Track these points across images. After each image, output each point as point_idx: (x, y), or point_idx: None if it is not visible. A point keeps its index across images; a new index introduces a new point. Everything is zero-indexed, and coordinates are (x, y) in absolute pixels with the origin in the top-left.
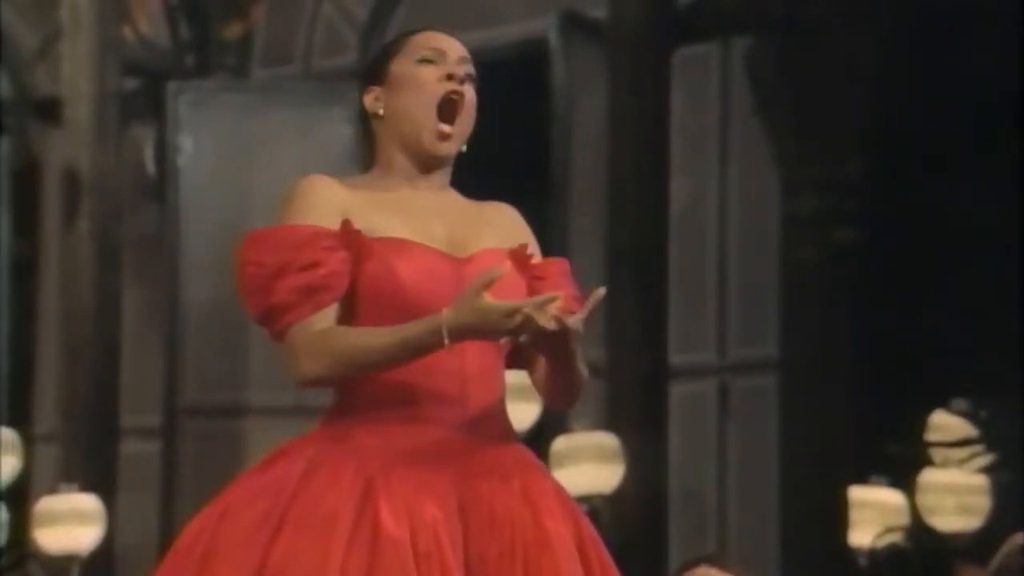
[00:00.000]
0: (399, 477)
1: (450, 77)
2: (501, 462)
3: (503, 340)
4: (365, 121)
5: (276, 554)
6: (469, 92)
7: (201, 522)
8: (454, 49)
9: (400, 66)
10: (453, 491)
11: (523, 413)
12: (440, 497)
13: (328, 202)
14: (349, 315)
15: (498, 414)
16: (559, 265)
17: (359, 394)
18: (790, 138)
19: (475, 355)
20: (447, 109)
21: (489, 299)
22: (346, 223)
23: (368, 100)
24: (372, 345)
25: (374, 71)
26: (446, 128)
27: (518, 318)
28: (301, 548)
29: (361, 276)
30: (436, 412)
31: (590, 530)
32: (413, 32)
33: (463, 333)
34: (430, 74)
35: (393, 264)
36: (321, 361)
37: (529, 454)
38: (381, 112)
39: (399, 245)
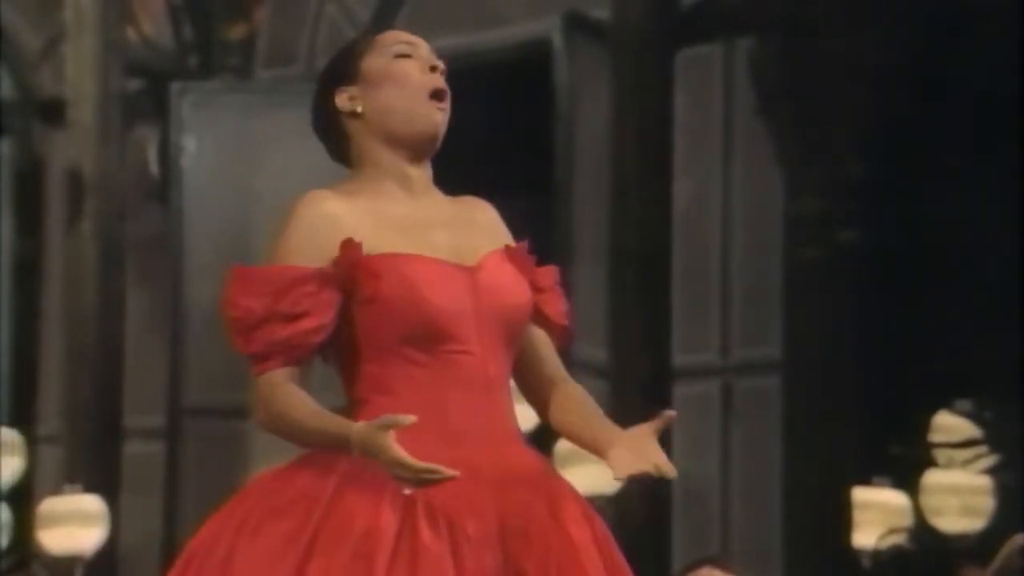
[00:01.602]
0: (437, 491)
1: (432, 68)
2: (527, 470)
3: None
4: (332, 122)
5: (311, 574)
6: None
7: (218, 525)
8: (423, 44)
9: (375, 63)
10: (491, 505)
11: (525, 414)
12: (479, 512)
13: (322, 228)
14: (369, 337)
15: (514, 420)
16: (554, 275)
17: (384, 407)
18: (793, 139)
19: (494, 363)
20: (436, 96)
21: (394, 447)
22: (348, 243)
23: (341, 100)
24: (297, 420)
25: (342, 71)
26: (441, 104)
27: (416, 477)
28: (339, 568)
29: (378, 296)
30: (467, 423)
31: (603, 529)
32: (375, 32)
33: (363, 451)
34: (411, 67)
35: (410, 283)
36: (264, 415)
37: (544, 460)
38: (359, 110)
39: (411, 261)
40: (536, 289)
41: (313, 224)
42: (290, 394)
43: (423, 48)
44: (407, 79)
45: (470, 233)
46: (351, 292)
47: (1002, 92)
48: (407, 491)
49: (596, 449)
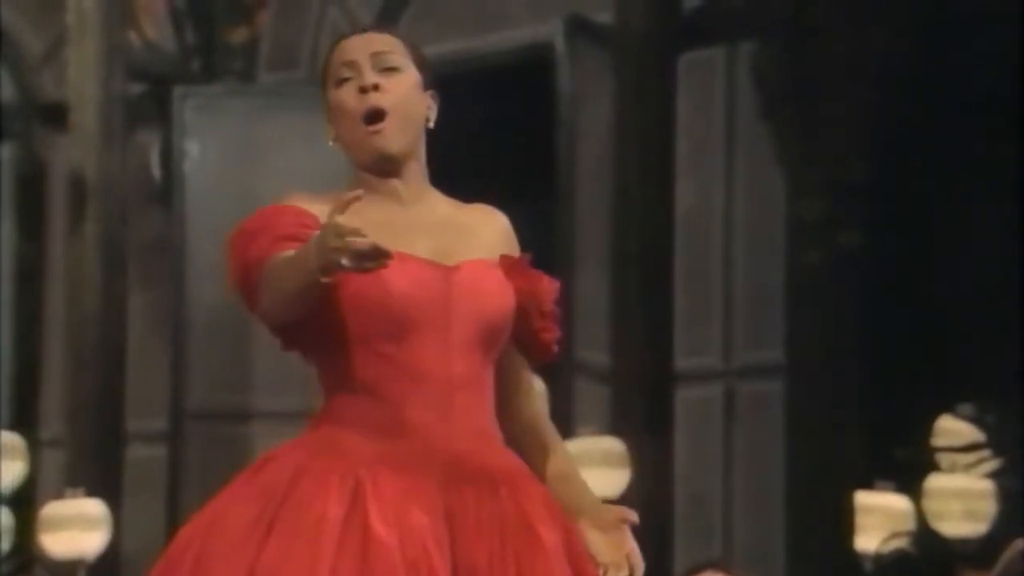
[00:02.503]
0: (386, 482)
1: (362, 90)
2: (488, 469)
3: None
4: None
5: (265, 560)
6: (394, 86)
7: (191, 530)
8: (365, 48)
9: (330, 94)
10: (439, 498)
11: None
12: (427, 504)
13: (301, 212)
14: (337, 327)
15: (486, 422)
16: (554, 298)
17: (346, 400)
18: (796, 142)
19: (463, 362)
20: (370, 119)
21: (335, 215)
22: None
23: (327, 128)
24: (277, 268)
25: (323, 103)
26: (373, 127)
27: (344, 243)
28: (290, 553)
29: (347, 287)
30: (422, 418)
31: (579, 542)
32: (334, 48)
33: (318, 251)
34: (349, 93)
35: (382, 274)
36: (264, 292)
37: (518, 462)
38: (331, 144)
39: None
40: (538, 313)
41: (289, 208)
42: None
43: (362, 56)
44: (343, 109)
45: (461, 240)
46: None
47: (1005, 94)
48: (345, 261)
49: (566, 510)
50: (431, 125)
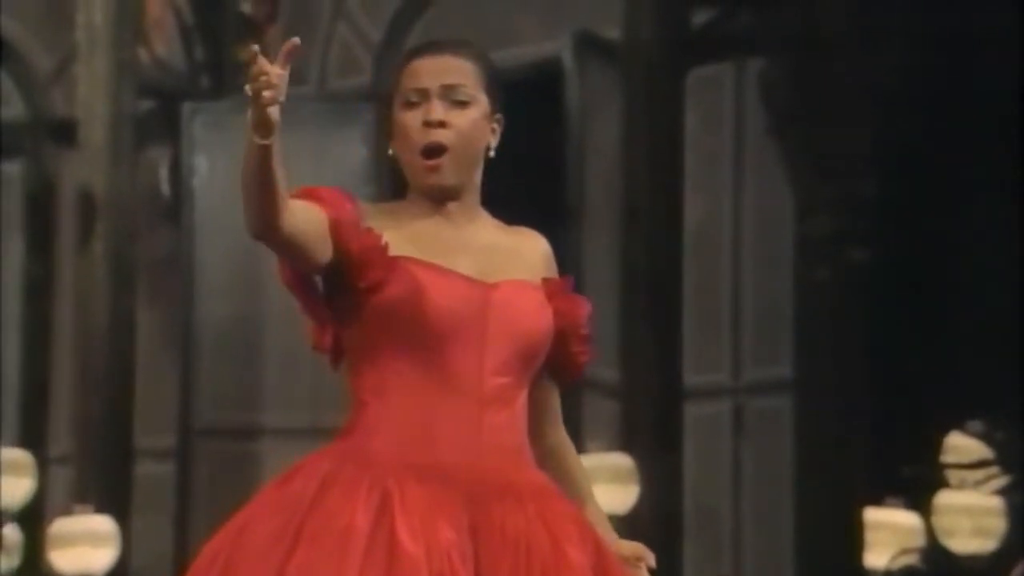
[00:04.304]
0: (413, 494)
1: (426, 124)
2: (515, 486)
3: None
4: None
5: (292, 569)
6: (460, 121)
7: (219, 542)
8: (437, 78)
9: (396, 110)
10: (464, 513)
11: None
12: (452, 518)
13: (353, 205)
14: (373, 336)
15: (516, 440)
16: (585, 308)
17: (376, 411)
18: (804, 158)
19: (496, 380)
20: (428, 154)
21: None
22: (370, 231)
23: (389, 134)
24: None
25: (387, 112)
26: (430, 163)
27: (260, 80)
28: (316, 563)
29: (386, 296)
30: (452, 432)
31: (611, 556)
32: (410, 57)
33: (251, 108)
34: (413, 120)
35: (419, 281)
36: (246, 208)
37: (546, 479)
38: (390, 152)
39: (425, 265)
40: (578, 336)
41: (343, 194)
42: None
43: (434, 85)
44: (407, 135)
45: (504, 261)
46: (359, 276)
47: (1012, 112)
48: (261, 93)
49: None
50: (492, 153)
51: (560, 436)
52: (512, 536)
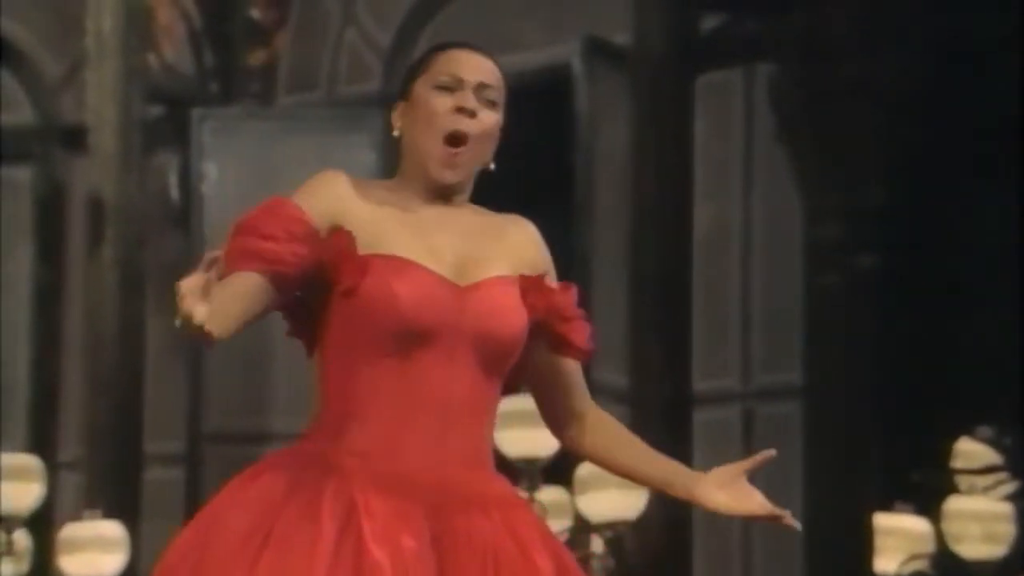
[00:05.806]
0: (377, 503)
1: (459, 110)
2: (479, 496)
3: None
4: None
5: (260, 572)
6: (486, 119)
7: (187, 540)
8: (476, 73)
9: (421, 87)
10: (426, 523)
11: (547, 439)
12: (414, 527)
13: (328, 199)
14: (344, 338)
15: (481, 447)
16: (575, 301)
17: (342, 416)
18: (813, 164)
19: (464, 385)
20: (453, 140)
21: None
22: (340, 231)
23: (395, 114)
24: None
25: (404, 84)
26: (452, 151)
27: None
28: (284, 570)
29: (358, 294)
30: (416, 441)
31: (572, 566)
32: (445, 47)
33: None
34: (443, 103)
35: (392, 285)
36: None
37: (510, 489)
38: (396, 132)
39: (400, 265)
40: (561, 319)
41: (320, 191)
42: (223, 284)
43: (472, 78)
44: (433, 117)
45: (486, 247)
46: (334, 280)
47: (1020, 118)
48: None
49: (671, 486)
50: (492, 167)
51: (596, 410)
52: (479, 545)
